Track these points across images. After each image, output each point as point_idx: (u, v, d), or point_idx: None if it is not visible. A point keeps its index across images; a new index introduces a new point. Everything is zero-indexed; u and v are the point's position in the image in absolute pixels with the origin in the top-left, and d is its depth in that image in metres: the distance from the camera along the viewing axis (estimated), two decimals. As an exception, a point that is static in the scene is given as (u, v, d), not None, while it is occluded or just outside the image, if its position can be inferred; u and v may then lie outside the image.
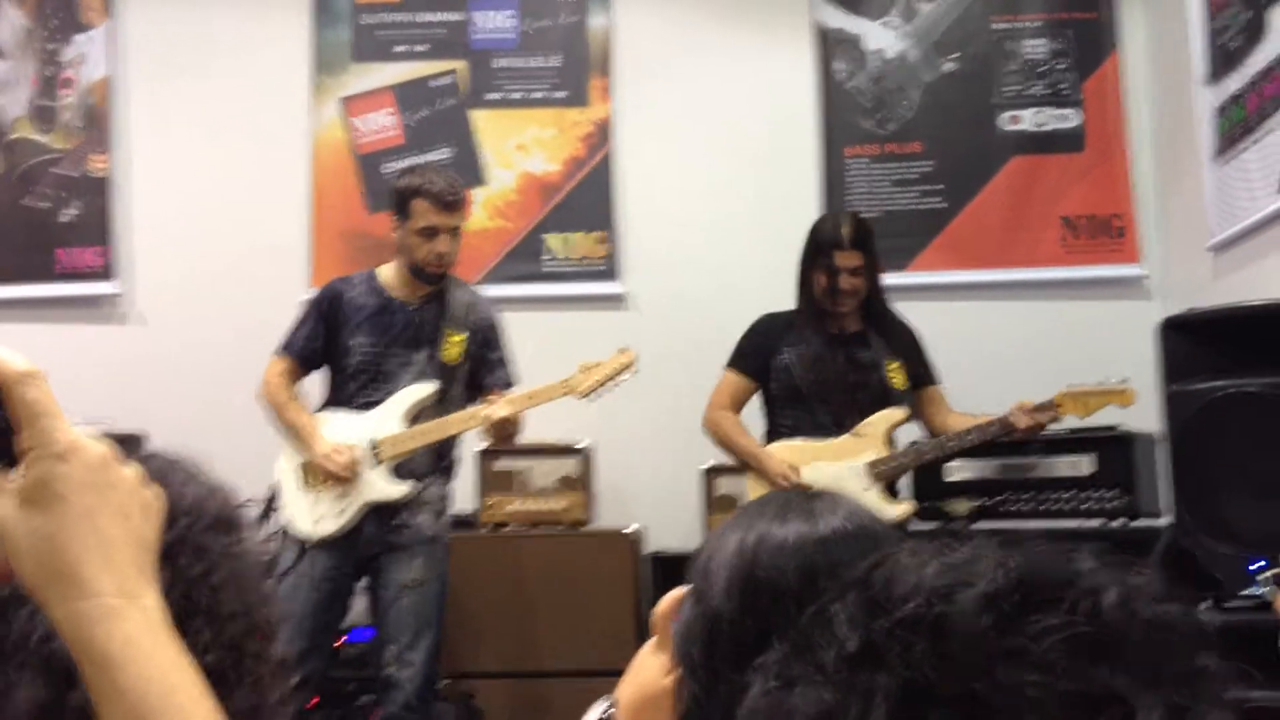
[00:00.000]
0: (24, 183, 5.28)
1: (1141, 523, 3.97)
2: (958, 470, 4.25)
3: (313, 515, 3.80)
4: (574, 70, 5.30)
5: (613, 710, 1.39)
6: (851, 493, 3.77)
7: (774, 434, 4.08)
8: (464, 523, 4.53)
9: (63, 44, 5.34)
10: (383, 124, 5.31)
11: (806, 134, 5.23)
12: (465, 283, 4.12)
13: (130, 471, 0.89)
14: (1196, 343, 3.46)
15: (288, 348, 3.98)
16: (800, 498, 1.25)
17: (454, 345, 3.91)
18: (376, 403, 3.87)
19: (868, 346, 4.03)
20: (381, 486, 3.80)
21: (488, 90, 5.31)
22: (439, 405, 3.87)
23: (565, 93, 5.29)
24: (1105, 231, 5.09)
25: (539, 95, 5.29)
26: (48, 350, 5.37)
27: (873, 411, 3.93)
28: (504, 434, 3.78)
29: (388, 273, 3.99)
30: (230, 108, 5.34)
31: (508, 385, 3.96)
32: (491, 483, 4.52)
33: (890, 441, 3.94)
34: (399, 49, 5.33)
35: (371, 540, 3.82)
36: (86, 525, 0.85)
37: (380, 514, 3.82)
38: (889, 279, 5.01)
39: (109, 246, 5.26)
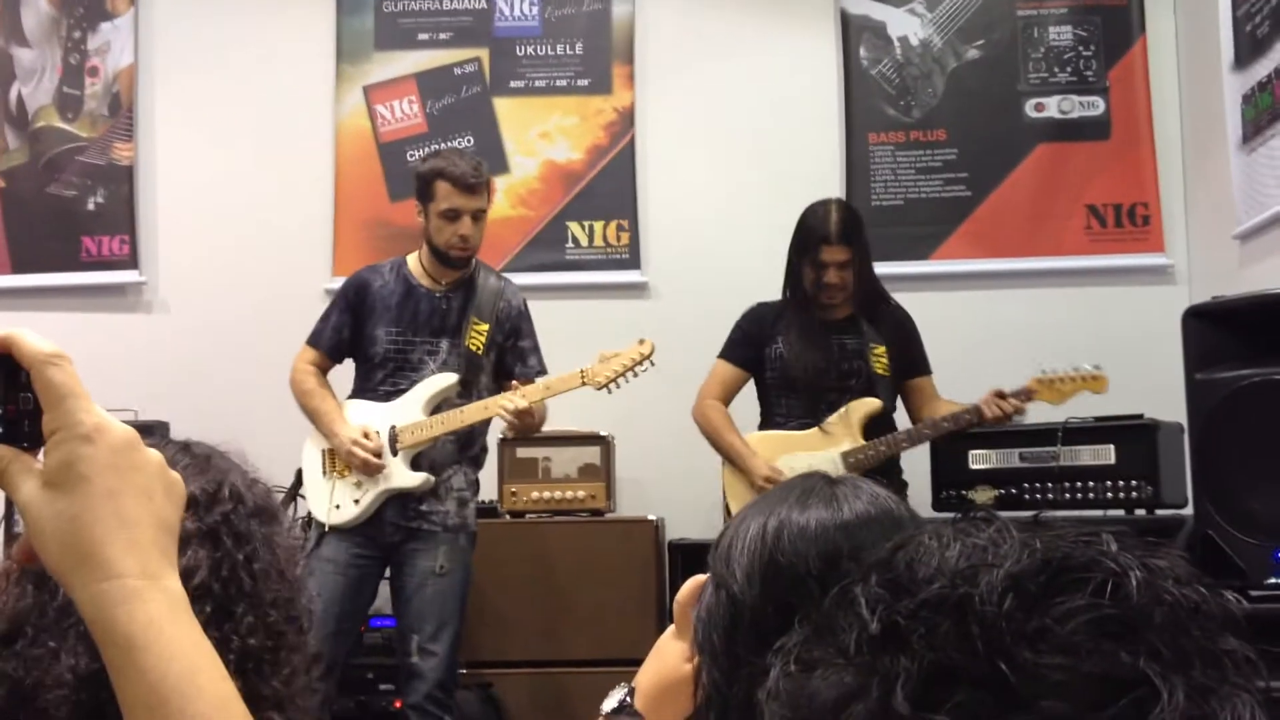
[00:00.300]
0: (49, 171, 5.31)
1: (1165, 513, 3.94)
2: (980, 459, 4.23)
3: (330, 502, 3.82)
4: (597, 58, 5.29)
5: (629, 697, 1.39)
6: None
7: (767, 424, 4.11)
8: (485, 510, 4.54)
9: (89, 32, 5.36)
10: (405, 112, 5.31)
11: (830, 121, 5.22)
12: (495, 270, 4.11)
13: (154, 454, 0.89)
14: (1221, 331, 3.44)
15: (315, 339, 4.01)
16: (822, 483, 1.25)
17: (479, 334, 3.91)
18: (401, 391, 3.87)
19: (856, 333, 4.04)
20: (398, 475, 3.80)
21: (511, 78, 5.31)
22: (464, 395, 3.87)
23: (588, 80, 5.28)
24: (1131, 220, 5.06)
25: (562, 83, 5.29)
26: (72, 338, 5.41)
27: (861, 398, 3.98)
28: (524, 425, 3.77)
29: (415, 260, 4.00)
30: (254, 96, 5.36)
31: (540, 374, 3.95)
32: (513, 471, 4.52)
33: (865, 431, 3.95)
34: (422, 37, 5.33)
35: (395, 528, 3.82)
36: (110, 507, 0.85)
37: (402, 502, 3.82)
38: (911, 267, 5.03)
39: (134, 235, 5.29)
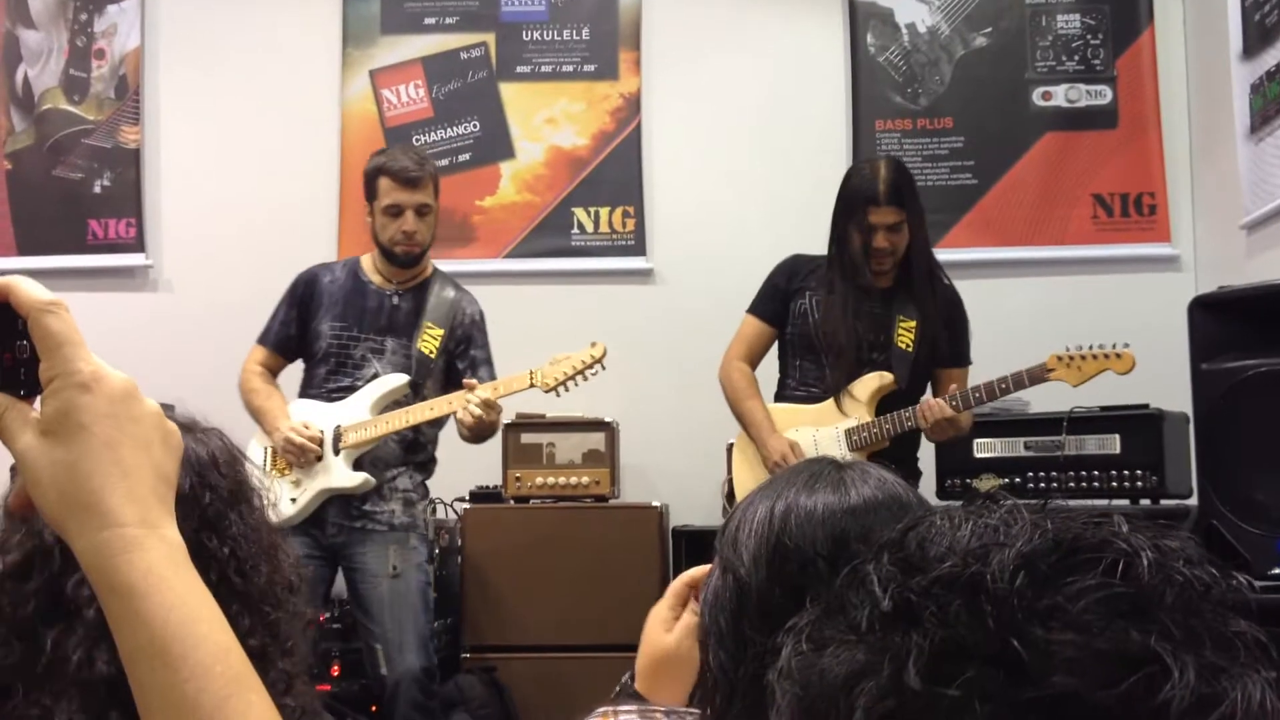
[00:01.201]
0: (56, 154, 5.31)
1: (1170, 502, 3.95)
2: (985, 448, 4.23)
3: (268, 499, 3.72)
4: (604, 43, 5.28)
5: (631, 680, 1.41)
6: None
7: (783, 384, 3.96)
8: (489, 495, 4.55)
9: (95, 15, 5.36)
10: (411, 97, 5.31)
11: (837, 108, 5.21)
12: (453, 279, 4.02)
13: (151, 404, 0.89)
14: (1226, 321, 3.44)
15: (263, 336, 3.95)
16: (830, 467, 1.25)
17: (432, 338, 3.83)
18: (346, 389, 3.79)
19: (887, 303, 3.82)
20: (337, 475, 3.71)
21: (517, 63, 5.31)
22: (412, 399, 3.78)
23: (594, 66, 5.28)
24: (1138, 209, 5.06)
25: (568, 68, 5.29)
26: (79, 321, 5.42)
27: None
28: (488, 422, 3.62)
29: (369, 260, 3.94)
30: (260, 80, 5.36)
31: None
32: (517, 456, 4.52)
33: (879, 407, 3.76)
34: (428, 21, 5.33)
35: (338, 528, 3.74)
36: (109, 456, 0.85)
37: (345, 501, 3.73)
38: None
39: (140, 218, 5.29)
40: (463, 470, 4.36)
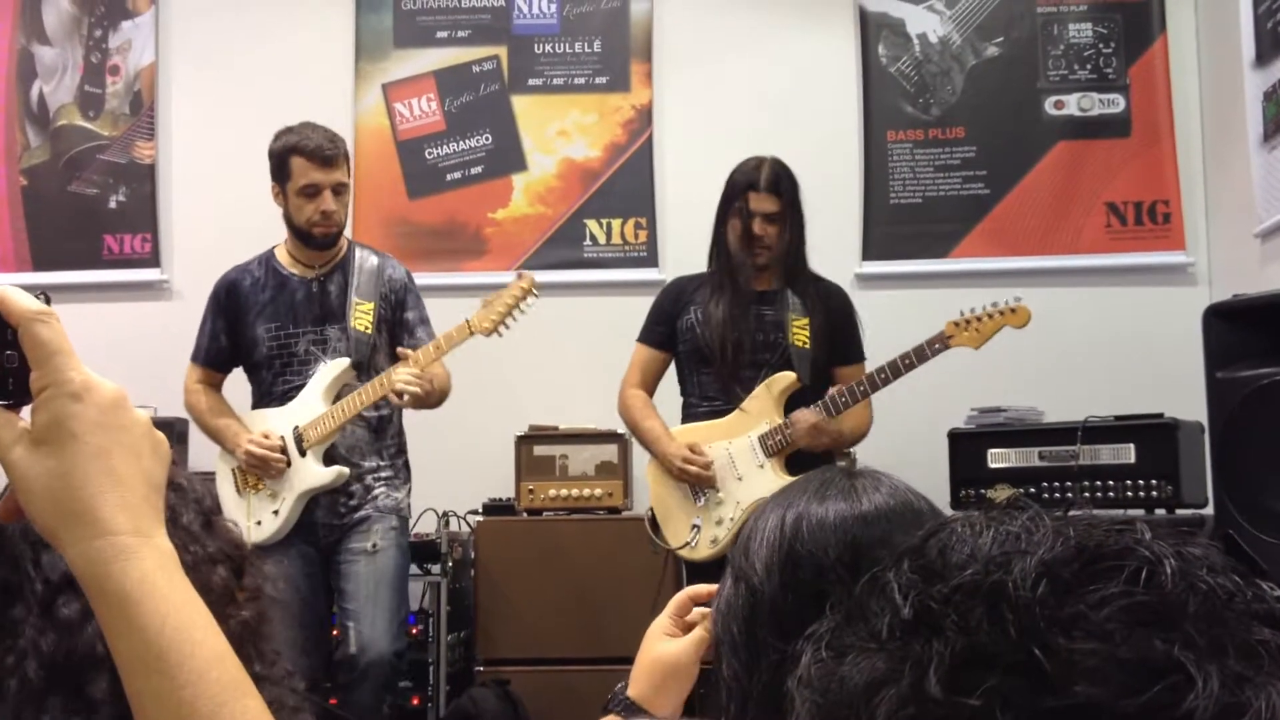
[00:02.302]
0: (71, 169, 5.34)
1: (1185, 512, 3.93)
2: (999, 458, 4.22)
3: (249, 520, 3.65)
4: (615, 55, 5.29)
5: (623, 690, 1.41)
6: (747, 471, 3.71)
7: (686, 404, 3.94)
8: (503, 508, 4.54)
9: (110, 31, 5.39)
10: (424, 110, 5.32)
11: (848, 119, 5.21)
12: (370, 247, 3.95)
13: (141, 414, 0.90)
14: (1242, 330, 3.43)
15: (195, 353, 3.86)
16: (840, 475, 1.26)
17: (364, 314, 3.74)
18: (298, 388, 3.72)
19: (777, 304, 3.81)
20: (310, 474, 3.65)
21: (529, 76, 5.32)
22: (364, 378, 3.70)
23: (606, 78, 5.29)
24: (1151, 218, 5.05)
25: (580, 81, 5.30)
26: (93, 336, 5.42)
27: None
28: (420, 398, 3.55)
29: (283, 250, 3.85)
30: (273, 94, 5.37)
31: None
32: (530, 469, 4.52)
33: (783, 408, 3.72)
34: (441, 35, 5.35)
35: (329, 528, 3.69)
36: (100, 464, 0.85)
37: (331, 501, 3.69)
38: (930, 265, 5.02)
39: (155, 233, 5.31)
40: (476, 483, 4.36)
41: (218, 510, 1.26)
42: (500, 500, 4.58)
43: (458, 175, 5.21)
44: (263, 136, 5.33)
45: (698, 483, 3.74)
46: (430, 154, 5.23)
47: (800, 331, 3.76)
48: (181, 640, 0.84)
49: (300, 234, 3.76)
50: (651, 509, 3.95)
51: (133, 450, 0.88)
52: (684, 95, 5.29)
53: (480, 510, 4.53)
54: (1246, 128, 4.50)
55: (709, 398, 3.85)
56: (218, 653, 0.86)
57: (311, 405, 3.68)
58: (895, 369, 3.59)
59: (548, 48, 5.32)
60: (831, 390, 3.66)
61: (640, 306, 5.14)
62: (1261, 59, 4.40)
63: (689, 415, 3.92)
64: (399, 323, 3.81)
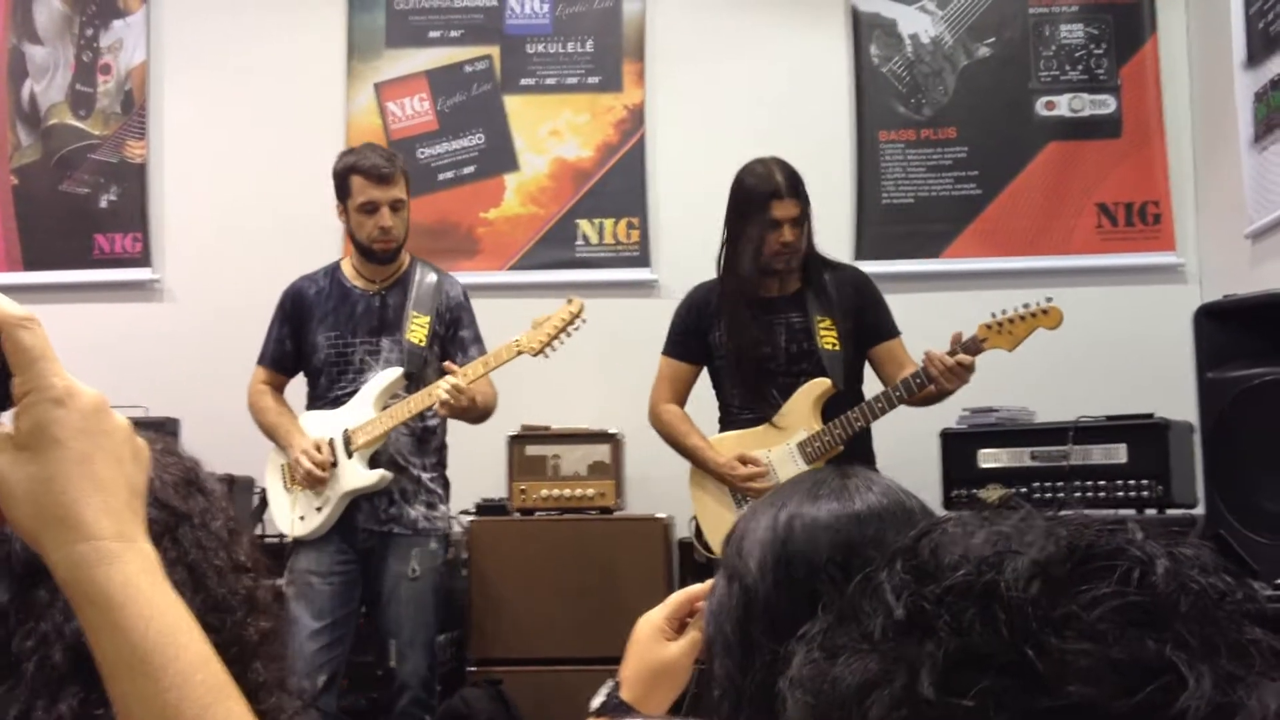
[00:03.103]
0: (62, 168, 5.33)
1: (1176, 512, 3.94)
2: (990, 458, 4.23)
3: (294, 514, 3.82)
4: (607, 55, 5.29)
5: (616, 690, 1.41)
6: (787, 477, 3.68)
7: (726, 410, 3.92)
8: (494, 508, 4.54)
9: (101, 30, 5.38)
10: (416, 109, 5.32)
11: (840, 119, 5.21)
12: (431, 264, 4.07)
13: (122, 419, 0.90)
14: (1232, 330, 3.44)
15: (261, 357, 4.02)
16: (833, 476, 1.26)
17: (419, 327, 3.88)
18: (350, 394, 3.86)
19: (800, 309, 3.77)
20: (355, 476, 3.78)
21: (521, 76, 5.32)
22: (413, 390, 3.83)
23: (599, 78, 5.29)
24: (1142, 219, 5.06)
25: (572, 80, 5.30)
26: (84, 335, 5.41)
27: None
28: (460, 407, 3.67)
29: (348, 263, 4.01)
30: (265, 93, 5.37)
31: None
32: (522, 468, 4.52)
33: (824, 415, 3.70)
34: (433, 34, 5.34)
35: (368, 534, 3.82)
36: (83, 469, 0.86)
37: (372, 505, 3.81)
38: (922, 265, 5.02)
39: (146, 232, 5.30)
40: (468, 483, 4.35)
41: (238, 520, 1.26)
42: (492, 500, 4.58)
43: (450, 175, 5.21)
44: (254, 135, 5.36)
45: (759, 492, 3.65)
46: (422, 153, 5.23)
47: (828, 334, 3.73)
48: (166, 644, 0.84)
49: (362, 249, 3.91)
50: (695, 518, 3.93)
51: (115, 455, 0.88)
52: (676, 95, 5.29)
53: (473, 510, 4.53)
54: (1237, 128, 4.51)
55: (748, 406, 3.82)
56: (203, 656, 0.86)
57: (362, 410, 3.82)
58: (920, 381, 3.56)
59: (540, 48, 5.31)
60: (956, 335, 3.57)
61: (632, 306, 5.16)
62: (1252, 60, 4.41)
63: (729, 421, 3.90)
64: (453, 340, 3.95)
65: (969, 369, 3.49)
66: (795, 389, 3.73)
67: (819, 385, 3.71)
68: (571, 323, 3.74)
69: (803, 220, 3.74)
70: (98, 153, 5.33)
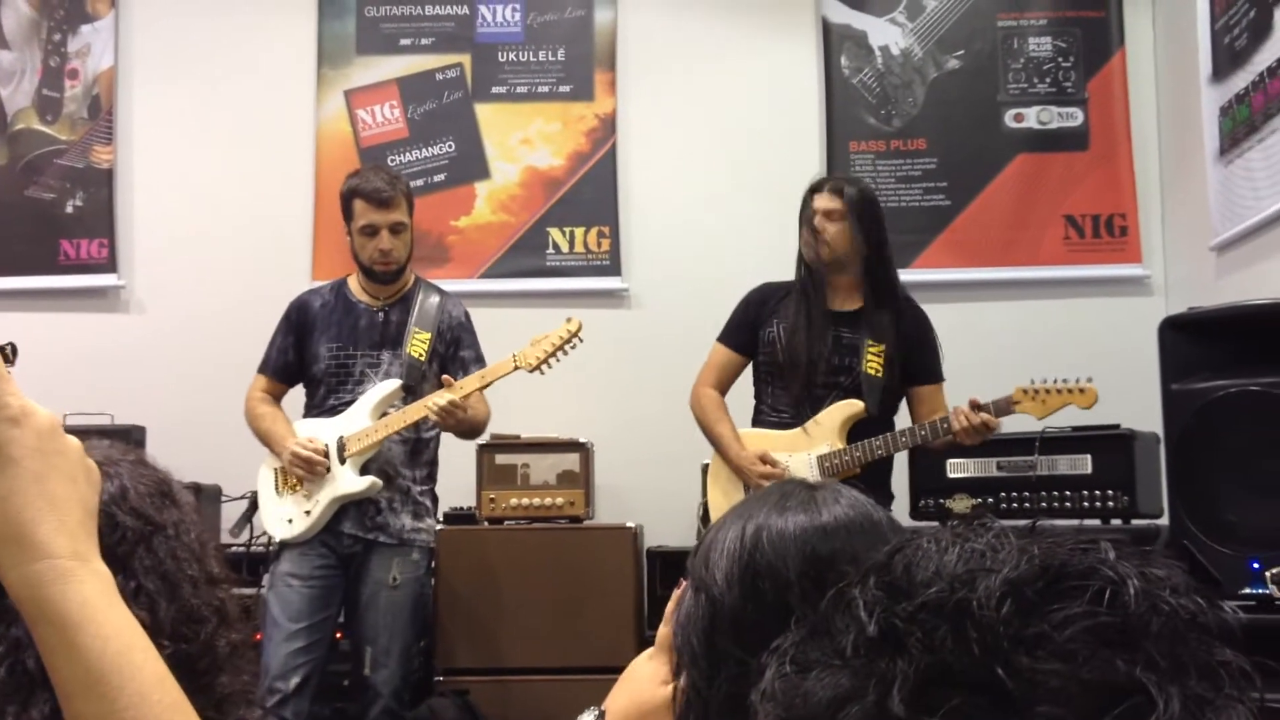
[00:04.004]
0: (28, 174, 5.28)
1: (1141, 522, 3.97)
2: (958, 468, 4.25)
3: (283, 517, 3.85)
4: (579, 64, 5.29)
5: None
6: None
7: (758, 409, 3.98)
8: (463, 517, 4.53)
9: (69, 35, 5.34)
10: (387, 117, 5.31)
11: (811, 129, 5.23)
12: (435, 286, 4.16)
13: (74, 440, 0.91)
14: (1197, 342, 3.46)
15: (263, 365, 4.06)
16: (801, 488, 1.26)
17: (420, 343, 3.95)
18: (347, 404, 3.90)
19: (856, 327, 3.84)
20: (345, 481, 3.82)
21: (492, 84, 5.31)
22: (411, 400, 3.87)
23: (570, 87, 5.29)
24: (1109, 231, 5.10)
25: (544, 89, 5.29)
26: (50, 342, 5.36)
27: (849, 398, 3.79)
28: (456, 421, 3.76)
29: (355, 280, 4.06)
30: (234, 99, 5.34)
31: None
32: (491, 477, 4.51)
33: (847, 434, 3.77)
34: (404, 42, 5.33)
35: (354, 539, 3.85)
36: (38, 489, 0.86)
37: (359, 512, 3.84)
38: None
39: (113, 238, 5.26)
40: (437, 492, 4.34)
41: (207, 534, 1.25)
42: (461, 509, 4.56)
43: (420, 183, 5.20)
44: (223, 142, 5.33)
45: None
46: (393, 161, 5.21)
47: (874, 359, 3.79)
48: (123, 663, 0.84)
49: (365, 270, 3.98)
50: (705, 505, 4.01)
51: (69, 475, 0.89)
52: (648, 105, 5.30)
53: (441, 519, 4.51)
54: (1203, 142, 4.55)
55: (779, 410, 3.88)
56: (159, 675, 0.86)
57: (358, 419, 3.86)
58: (945, 426, 3.64)
59: (511, 56, 5.31)
60: (972, 401, 3.64)
61: (603, 316, 5.15)
62: (1218, 74, 4.46)
63: (759, 419, 3.96)
64: (454, 359, 4.01)
65: (991, 429, 3.59)
66: (825, 400, 3.79)
67: (851, 406, 3.77)
68: (569, 341, 3.79)
69: (843, 219, 3.82)
70: (64, 158, 5.29)
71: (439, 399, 3.70)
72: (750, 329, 3.98)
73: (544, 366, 3.78)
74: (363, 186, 3.92)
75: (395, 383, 3.88)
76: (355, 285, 4.05)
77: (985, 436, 3.62)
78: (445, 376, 3.81)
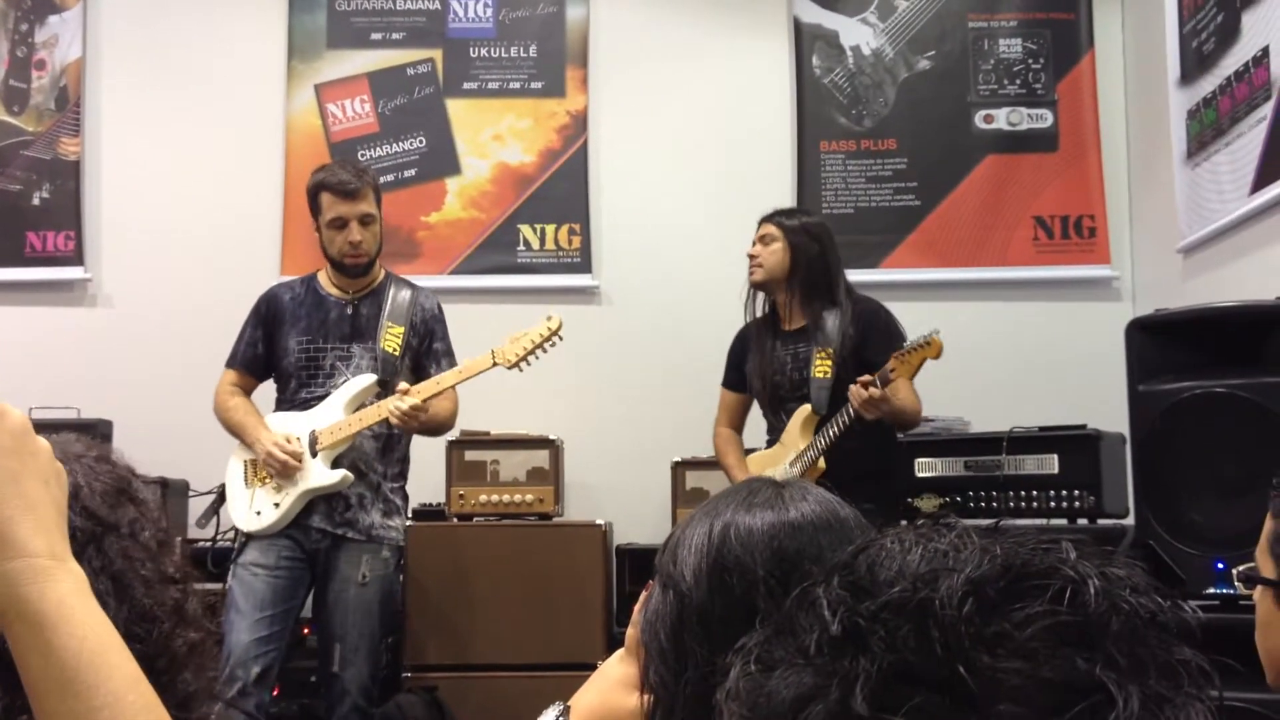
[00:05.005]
0: (-7, 164, 5.24)
1: (1107, 522, 3.99)
2: (926, 467, 4.26)
3: (250, 509, 3.83)
4: (551, 61, 5.29)
5: (564, 718, 1.38)
6: None
7: (769, 436, 4.11)
8: (432, 513, 4.52)
9: (36, 25, 5.30)
10: (357, 111, 5.29)
11: (782, 128, 5.24)
12: (407, 280, 4.13)
13: (44, 441, 0.91)
14: (1164, 344, 3.48)
15: (231, 358, 4.03)
16: (768, 485, 1.27)
17: (393, 337, 3.93)
18: (319, 398, 3.88)
19: (808, 341, 3.99)
20: (316, 475, 3.79)
21: (464, 79, 5.30)
22: (385, 395, 3.86)
23: (542, 83, 5.28)
24: (1077, 232, 5.13)
25: (516, 85, 5.28)
26: (15, 335, 5.32)
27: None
28: (417, 424, 3.76)
29: (325, 274, 4.04)
30: (203, 92, 5.31)
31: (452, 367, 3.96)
32: (461, 473, 4.51)
33: (812, 436, 3.88)
34: (375, 36, 5.31)
35: (322, 534, 3.82)
36: (14, 489, 0.86)
37: (329, 507, 3.82)
38: (861, 275, 5.05)
39: (79, 230, 5.22)
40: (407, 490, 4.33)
41: (170, 531, 1.24)
42: (430, 505, 4.56)
43: (391, 178, 5.18)
44: (192, 134, 5.29)
45: None
46: (363, 156, 5.19)
47: (822, 363, 3.93)
48: (99, 664, 0.84)
49: (335, 264, 3.96)
50: None
51: (41, 476, 0.89)
52: (619, 102, 5.29)
53: (410, 515, 4.50)
54: (1171, 145, 4.59)
55: (770, 432, 4.08)
56: (133, 677, 0.86)
57: (332, 413, 3.84)
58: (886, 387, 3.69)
59: (483, 51, 5.30)
60: (860, 380, 3.70)
61: (574, 312, 5.12)
62: (1186, 78, 4.49)
63: (766, 446, 4.11)
64: (428, 351, 4.01)
65: (881, 400, 3.66)
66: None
67: (802, 412, 3.92)
68: (549, 339, 3.80)
69: (773, 240, 4.01)
70: (31, 149, 5.25)
71: (400, 404, 3.69)
72: (737, 368, 4.16)
73: (522, 364, 3.78)
74: (329, 180, 3.90)
75: (370, 377, 3.86)
76: (325, 280, 4.03)
77: (881, 408, 3.67)
78: (401, 384, 3.77)
